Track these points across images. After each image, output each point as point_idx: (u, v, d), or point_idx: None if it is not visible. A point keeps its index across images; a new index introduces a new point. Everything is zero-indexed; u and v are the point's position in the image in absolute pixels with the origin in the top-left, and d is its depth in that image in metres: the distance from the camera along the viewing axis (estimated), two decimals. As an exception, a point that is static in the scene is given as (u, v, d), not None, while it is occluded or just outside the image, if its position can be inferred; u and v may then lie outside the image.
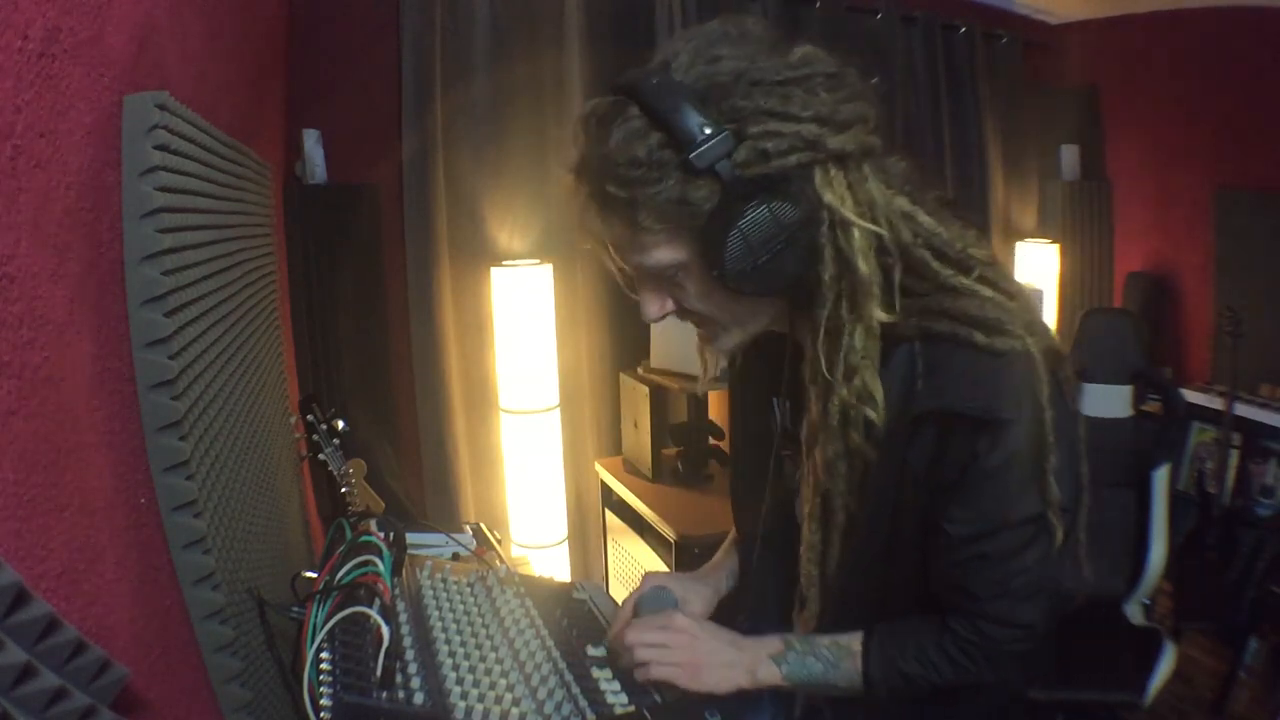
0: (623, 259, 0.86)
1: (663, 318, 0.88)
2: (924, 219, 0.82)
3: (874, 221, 0.78)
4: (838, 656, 0.92)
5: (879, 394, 0.82)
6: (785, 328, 0.92)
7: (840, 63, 0.78)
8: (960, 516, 0.84)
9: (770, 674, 0.93)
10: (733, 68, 0.75)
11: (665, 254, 0.81)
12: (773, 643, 0.95)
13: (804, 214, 0.76)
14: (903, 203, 0.82)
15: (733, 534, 1.23)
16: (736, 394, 1.15)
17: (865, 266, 0.78)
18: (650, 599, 1.04)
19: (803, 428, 0.94)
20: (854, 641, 0.93)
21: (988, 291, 0.81)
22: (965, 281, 0.82)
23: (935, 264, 0.81)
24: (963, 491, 0.83)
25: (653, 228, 0.78)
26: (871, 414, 0.83)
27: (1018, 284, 0.87)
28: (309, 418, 1.54)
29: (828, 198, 0.76)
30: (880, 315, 0.80)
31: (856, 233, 0.77)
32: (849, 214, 0.77)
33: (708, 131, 0.73)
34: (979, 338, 0.79)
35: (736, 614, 1.13)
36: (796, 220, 0.76)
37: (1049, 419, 0.80)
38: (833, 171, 0.76)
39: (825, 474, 0.89)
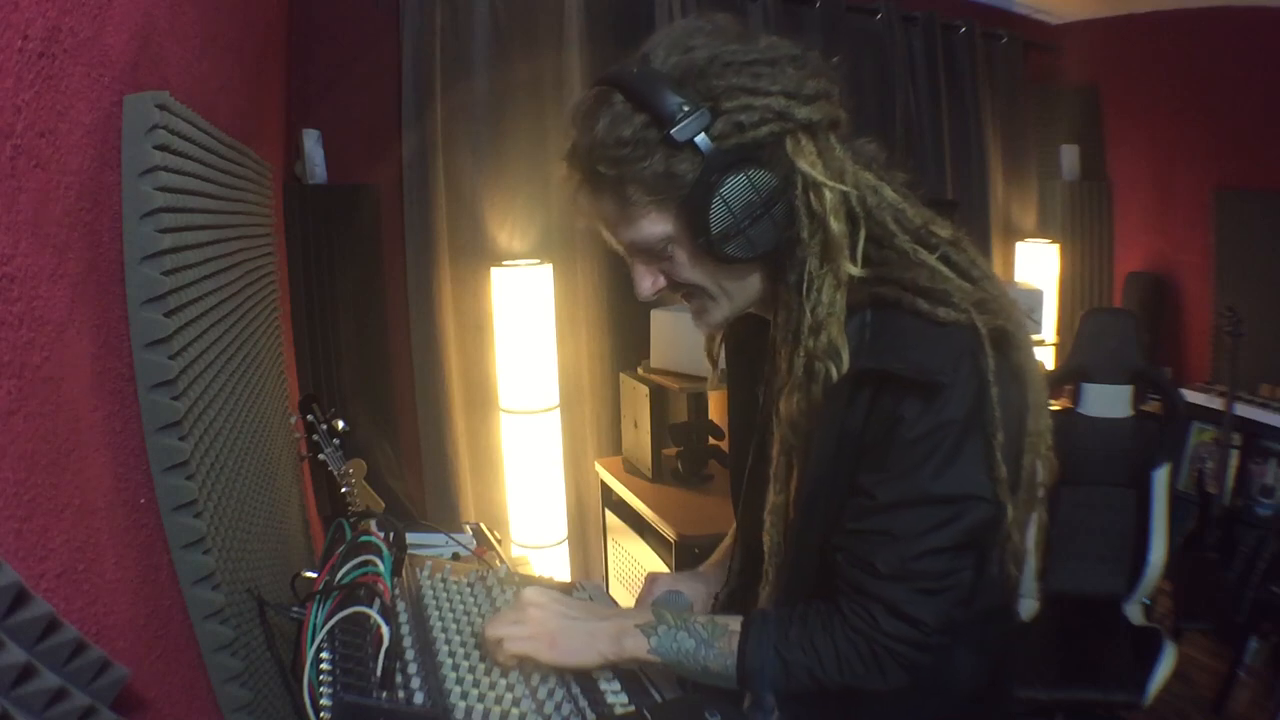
0: (614, 236, 0.90)
1: (656, 294, 0.92)
2: (888, 193, 0.86)
3: (842, 184, 0.83)
4: (713, 634, 0.89)
5: (844, 349, 0.84)
6: (770, 312, 0.93)
7: (803, 48, 0.85)
8: (877, 481, 0.82)
9: (637, 645, 0.89)
10: (705, 54, 0.81)
11: (654, 227, 0.85)
12: (644, 614, 0.93)
13: (779, 179, 0.82)
14: (869, 177, 0.86)
15: (732, 531, 1.23)
16: (730, 392, 1.16)
17: (836, 225, 0.83)
18: (664, 603, 1.03)
19: (774, 393, 0.94)
20: (734, 621, 0.89)
21: (945, 269, 0.84)
22: (923, 254, 0.84)
23: (896, 231, 0.85)
24: (884, 455, 0.82)
25: (641, 201, 0.83)
26: (835, 369, 0.84)
27: (986, 269, 0.87)
28: (309, 418, 1.54)
29: (800, 164, 0.82)
30: (850, 269, 0.84)
31: (827, 194, 0.82)
32: (819, 176, 0.82)
33: (686, 109, 0.79)
34: (922, 305, 0.81)
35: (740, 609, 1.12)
36: (772, 186, 0.82)
37: (994, 395, 0.79)
38: (803, 140, 0.82)
39: (789, 430, 0.90)
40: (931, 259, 0.84)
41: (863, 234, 0.85)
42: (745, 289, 0.91)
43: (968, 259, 0.87)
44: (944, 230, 0.87)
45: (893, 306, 0.83)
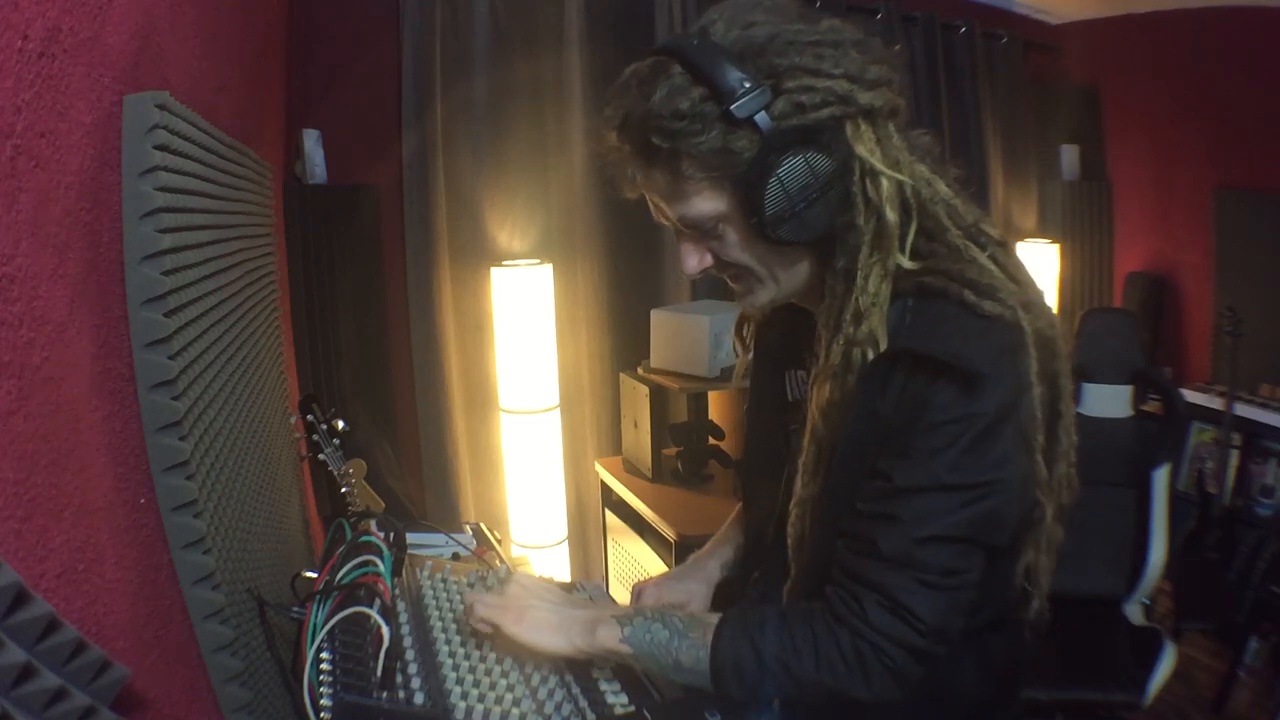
0: (664, 211, 0.89)
1: (701, 272, 0.91)
2: (942, 187, 0.85)
3: (899, 174, 0.82)
4: (688, 626, 0.86)
5: (883, 340, 0.83)
6: (813, 302, 0.91)
7: (865, 32, 0.85)
8: (895, 464, 0.80)
9: (610, 634, 0.88)
10: (767, 31, 0.80)
11: (707, 204, 0.84)
12: (624, 607, 0.92)
13: (837, 164, 0.80)
14: (923, 170, 0.85)
15: (729, 521, 1.23)
16: (754, 378, 1.13)
17: (891, 214, 0.81)
18: None
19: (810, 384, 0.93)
20: (713, 617, 0.87)
21: (993, 268, 0.82)
22: (974, 251, 0.83)
23: (949, 225, 0.84)
24: (908, 439, 0.79)
25: (695, 176, 0.82)
26: (872, 355, 0.83)
27: (1028, 278, 0.86)
28: (309, 418, 1.54)
29: (859, 149, 0.80)
30: (901, 260, 0.83)
31: (884, 182, 0.81)
32: (878, 164, 0.81)
33: (747, 85, 0.77)
34: (968, 296, 0.79)
35: (744, 599, 1.12)
36: (830, 170, 0.80)
37: (1037, 395, 0.78)
38: (863, 126, 0.81)
39: (821, 419, 0.88)
40: (981, 256, 0.83)
41: (914, 226, 0.84)
42: (794, 275, 0.89)
43: (1014, 264, 0.86)
44: (994, 231, 0.86)
45: (938, 295, 0.81)
